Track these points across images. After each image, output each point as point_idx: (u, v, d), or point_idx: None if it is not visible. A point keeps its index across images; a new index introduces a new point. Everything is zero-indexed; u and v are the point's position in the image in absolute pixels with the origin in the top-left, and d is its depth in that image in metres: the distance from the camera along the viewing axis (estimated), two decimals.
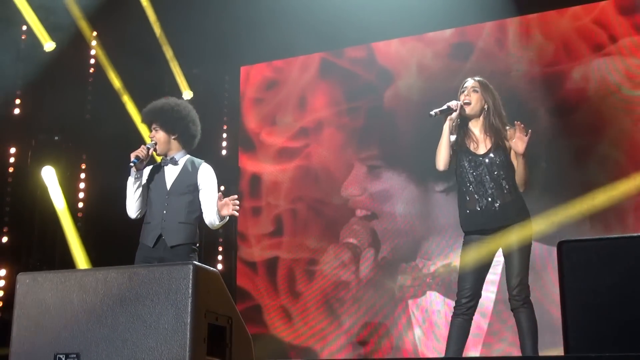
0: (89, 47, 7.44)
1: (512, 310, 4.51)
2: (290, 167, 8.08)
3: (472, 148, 4.72)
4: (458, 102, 4.74)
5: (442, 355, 4.98)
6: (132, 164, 4.86)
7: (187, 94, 7.89)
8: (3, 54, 6.70)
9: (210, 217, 4.93)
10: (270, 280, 7.90)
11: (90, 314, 3.35)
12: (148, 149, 4.92)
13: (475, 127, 4.77)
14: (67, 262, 6.76)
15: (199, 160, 5.09)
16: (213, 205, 4.90)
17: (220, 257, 7.88)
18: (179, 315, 3.19)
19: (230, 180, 8.04)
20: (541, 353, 4.64)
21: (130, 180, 4.89)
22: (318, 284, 7.71)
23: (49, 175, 6.93)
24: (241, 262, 8.03)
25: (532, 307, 4.48)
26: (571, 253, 3.06)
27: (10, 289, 6.42)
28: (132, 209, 4.94)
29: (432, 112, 4.67)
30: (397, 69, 7.86)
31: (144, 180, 4.98)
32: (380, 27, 7.53)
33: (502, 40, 7.45)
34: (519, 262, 4.50)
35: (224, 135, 8.38)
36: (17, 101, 7.08)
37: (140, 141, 7.14)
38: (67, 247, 6.85)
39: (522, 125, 4.59)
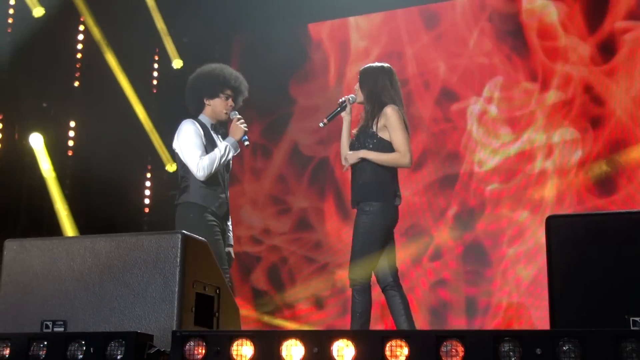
0: (78, 14, 7.35)
1: (385, 291, 4.57)
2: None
3: (361, 125, 4.79)
4: (347, 96, 4.84)
5: None
6: (246, 141, 4.79)
7: (177, 63, 7.85)
8: None
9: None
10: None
11: (78, 281, 3.34)
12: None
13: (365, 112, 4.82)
14: (55, 229, 6.72)
15: None
16: None
17: None
18: (167, 284, 3.19)
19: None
20: None
21: (232, 153, 4.78)
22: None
23: (37, 142, 6.87)
24: None
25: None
26: (559, 228, 3.06)
27: None
28: (208, 173, 4.72)
29: (321, 123, 4.79)
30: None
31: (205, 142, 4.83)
32: None
33: None
34: (387, 253, 4.59)
35: None
36: (5, 67, 6.99)
37: (129, 109, 7.12)
38: (55, 215, 6.81)
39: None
